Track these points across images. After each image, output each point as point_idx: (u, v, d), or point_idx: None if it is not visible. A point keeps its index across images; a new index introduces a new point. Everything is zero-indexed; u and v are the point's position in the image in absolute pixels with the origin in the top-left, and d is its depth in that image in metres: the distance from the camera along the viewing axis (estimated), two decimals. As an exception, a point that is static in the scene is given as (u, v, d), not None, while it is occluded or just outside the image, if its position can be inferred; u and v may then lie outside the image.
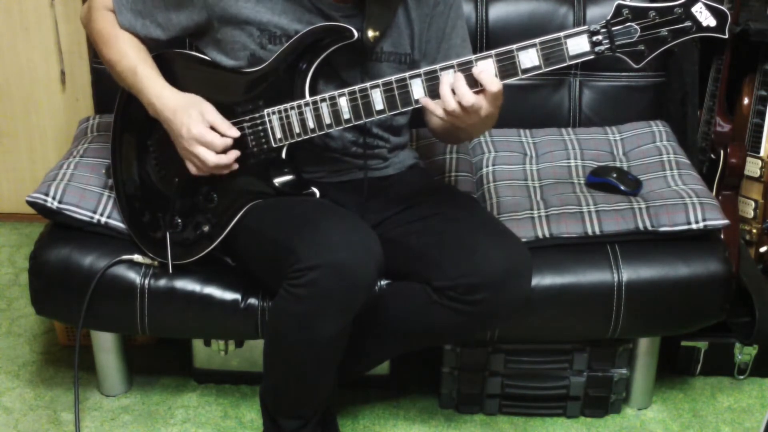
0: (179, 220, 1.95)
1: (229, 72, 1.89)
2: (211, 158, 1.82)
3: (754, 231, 2.53)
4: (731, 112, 2.57)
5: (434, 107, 1.69)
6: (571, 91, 2.43)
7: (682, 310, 2.04)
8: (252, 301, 1.99)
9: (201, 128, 1.81)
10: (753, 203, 2.53)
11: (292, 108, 1.81)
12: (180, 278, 2.00)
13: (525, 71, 1.65)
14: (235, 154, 1.84)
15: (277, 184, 1.87)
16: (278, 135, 1.84)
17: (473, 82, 1.66)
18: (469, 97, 1.65)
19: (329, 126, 1.79)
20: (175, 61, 1.95)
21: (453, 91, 1.66)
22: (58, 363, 2.36)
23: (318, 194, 1.88)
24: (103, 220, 2.04)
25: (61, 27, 2.77)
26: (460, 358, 2.14)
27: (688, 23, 1.58)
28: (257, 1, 1.83)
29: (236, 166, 1.86)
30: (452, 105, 1.66)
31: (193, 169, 1.87)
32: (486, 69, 1.66)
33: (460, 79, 1.66)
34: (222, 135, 1.83)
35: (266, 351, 1.90)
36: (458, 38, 1.96)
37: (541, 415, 2.20)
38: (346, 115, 1.77)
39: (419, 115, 2.01)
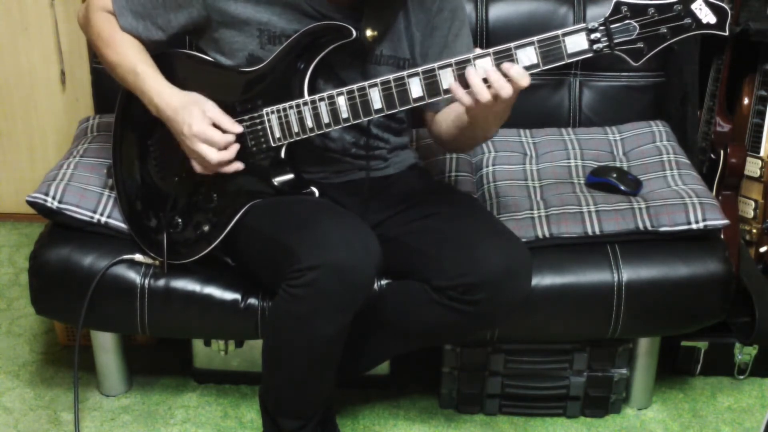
0: (179, 220, 1.95)
1: (228, 71, 1.89)
2: (214, 155, 1.82)
3: (754, 231, 2.53)
4: (731, 112, 2.57)
5: (462, 95, 1.66)
6: (571, 91, 2.43)
7: (682, 310, 2.04)
8: (252, 301, 1.99)
9: (202, 126, 1.81)
10: (753, 203, 2.53)
11: (290, 107, 1.81)
12: (180, 278, 1.99)
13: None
14: (235, 148, 1.84)
15: (276, 184, 1.87)
16: (277, 134, 1.83)
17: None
18: (507, 89, 1.63)
19: (328, 125, 1.79)
20: (174, 61, 1.94)
21: (485, 80, 1.64)
22: (58, 363, 2.37)
23: (317, 194, 1.88)
24: (103, 220, 2.04)
25: (61, 27, 2.77)
26: (460, 358, 2.14)
27: (687, 20, 1.57)
28: (256, 2, 1.83)
29: (241, 165, 1.86)
30: (486, 96, 1.64)
31: (198, 168, 1.87)
32: (487, 66, 1.65)
33: (495, 72, 1.64)
34: (225, 131, 1.83)
35: (266, 351, 1.90)
36: (463, 46, 1.94)
37: (541, 415, 2.20)
38: (344, 114, 1.77)
39: (420, 115, 2.01)
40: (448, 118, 1.92)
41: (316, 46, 1.79)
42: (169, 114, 1.84)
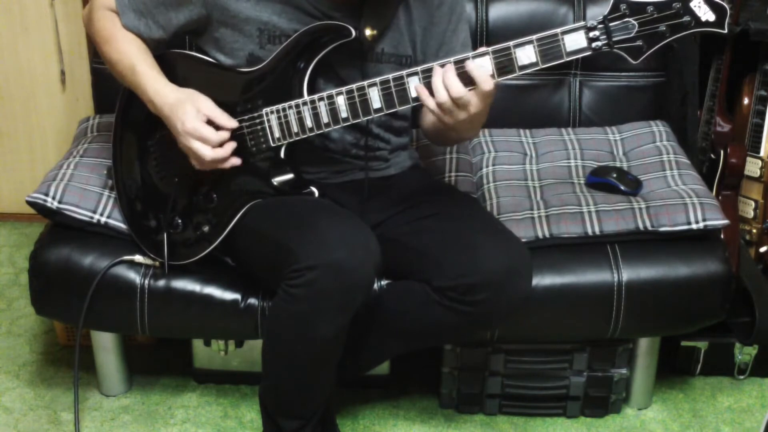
0: (179, 221, 1.95)
1: (228, 71, 1.89)
2: (207, 153, 1.81)
3: (754, 231, 2.53)
4: (731, 112, 2.57)
5: (426, 98, 1.69)
6: (571, 91, 2.43)
7: (682, 310, 2.04)
8: (252, 301, 1.99)
9: (196, 123, 1.80)
10: (753, 203, 2.53)
11: (290, 107, 1.81)
12: (180, 278, 2.00)
13: (522, 68, 1.65)
14: (231, 146, 1.83)
15: (276, 184, 1.87)
16: (276, 134, 1.83)
17: (468, 80, 1.66)
18: (457, 88, 1.65)
19: (327, 125, 1.79)
20: (175, 62, 1.94)
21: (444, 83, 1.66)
22: (58, 363, 2.37)
23: (317, 193, 1.88)
24: (103, 220, 2.04)
25: (61, 27, 2.77)
26: (460, 358, 2.14)
27: (686, 18, 1.57)
28: (257, 1, 1.83)
29: (238, 161, 1.85)
30: (443, 96, 1.66)
31: (196, 165, 1.87)
32: (484, 65, 1.66)
33: (450, 70, 1.66)
34: (220, 127, 1.82)
35: (265, 351, 1.89)
36: (458, 43, 1.95)
37: (541, 415, 2.19)
38: (344, 114, 1.77)
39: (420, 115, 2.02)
40: (426, 117, 1.96)
41: (315, 45, 1.79)
42: (165, 112, 1.84)
